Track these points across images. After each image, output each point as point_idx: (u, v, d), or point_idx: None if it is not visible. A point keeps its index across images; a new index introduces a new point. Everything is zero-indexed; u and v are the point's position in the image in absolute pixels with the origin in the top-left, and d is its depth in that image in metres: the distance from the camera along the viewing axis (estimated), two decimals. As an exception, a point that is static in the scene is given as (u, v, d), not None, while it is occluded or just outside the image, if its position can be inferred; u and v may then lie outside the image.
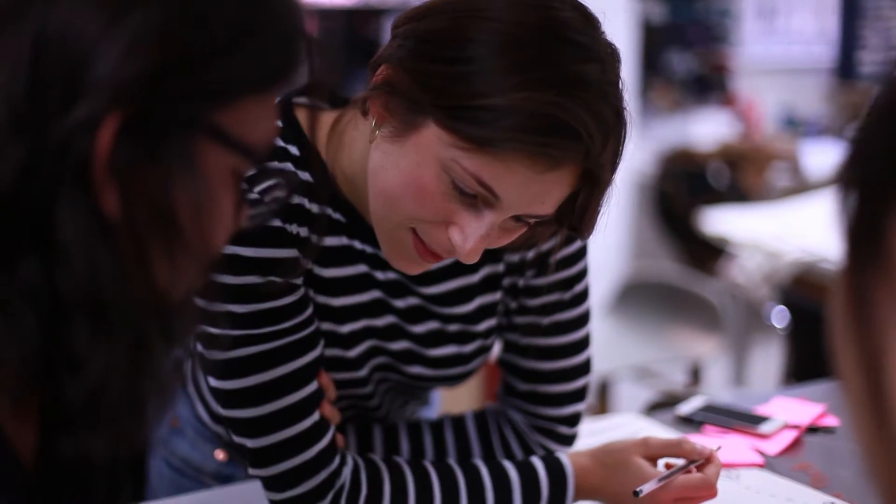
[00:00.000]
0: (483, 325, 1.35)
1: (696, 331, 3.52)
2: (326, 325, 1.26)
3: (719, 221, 4.22)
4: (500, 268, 1.33)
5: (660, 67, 6.07)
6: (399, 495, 1.24)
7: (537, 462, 1.32)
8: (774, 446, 1.61)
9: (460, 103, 1.02)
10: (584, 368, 1.40)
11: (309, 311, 1.21)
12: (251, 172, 0.80)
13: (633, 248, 5.43)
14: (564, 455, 1.34)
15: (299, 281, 1.19)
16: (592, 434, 1.63)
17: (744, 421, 1.68)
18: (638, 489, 1.24)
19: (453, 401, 2.02)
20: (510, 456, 1.38)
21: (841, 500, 1.42)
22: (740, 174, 5.54)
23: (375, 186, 1.12)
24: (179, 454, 1.50)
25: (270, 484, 1.21)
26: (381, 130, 1.09)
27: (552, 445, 1.39)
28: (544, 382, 1.37)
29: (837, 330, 0.52)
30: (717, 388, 3.69)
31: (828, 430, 1.69)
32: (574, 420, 1.41)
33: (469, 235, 1.07)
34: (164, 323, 0.75)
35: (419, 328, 1.32)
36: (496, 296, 1.35)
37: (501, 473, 1.29)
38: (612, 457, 1.32)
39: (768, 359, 3.96)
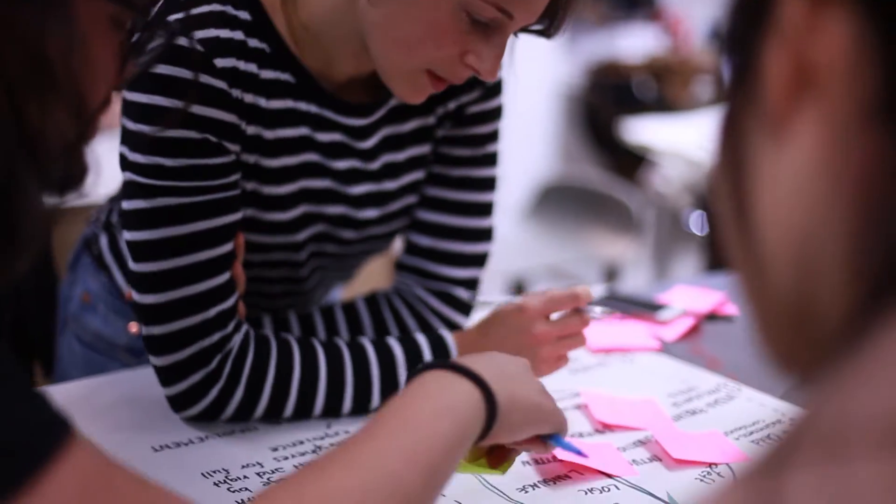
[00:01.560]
0: (411, 177, 1.38)
1: (611, 233, 3.54)
2: (267, 189, 1.27)
3: (643, 131, 4.23)
4: (432, 120, 1.37)
5: (588, -20, 6.03)
6: (284, 367, 1.25)
7: (420, 337, 1.33)
8: (672, 332, 1.62)
9: None
10: (487, 234, 1.43)
11: (236, 176, 1.22)
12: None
13: (558, 159, 5.44)
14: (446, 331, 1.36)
15: (234, 146, 1.21)
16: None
17: (643, 308, 1.69)
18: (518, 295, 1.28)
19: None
20: (404, 331, 1.39)
21: (734, 381, 1.44)
22: (666, 87, 5.54)
23: (387, 39, 1.17)
24: (91, 330, 1.50)
25: (161, 345, 1.21)
26: None
27: (448, 312, 1.41)
28: (446, 238, 1.40)
29: (713, 163, 0.53)
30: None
31: (727, 318, 1.71)
32: (472, 284, 1.43)
33: (486, 58, 1.16)
34: (37, 164, 0.74)
35: (355, 190, 1.33)
36: (426, 148, 1.38)
37: (386, 349, 1.30)
38: (490, 322, 1.34)
39: (687, 264, 4.00)
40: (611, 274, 3.55)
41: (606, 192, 3.62)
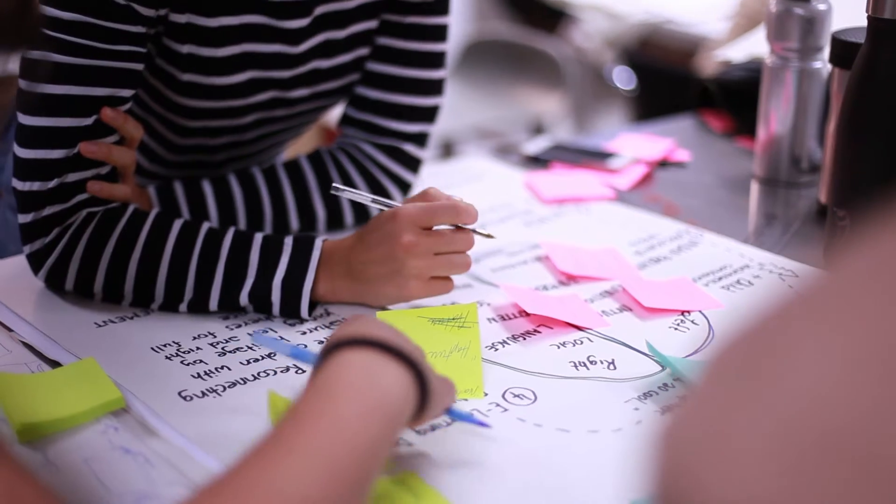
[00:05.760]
0: (364, 26, 1.30)
1: (538, 88, 3.47)
2: (205, 51, 1.19)
3: (561, -14, 4.14)
4: None
5: None
6: (124, 247, 1.15)
7: (287, 240, 1.17)
8: (625, 181, 1.57)
9: None
10: (438, 87, 1.37)
11: (134, 47, 1.13)
12: None
13: (471, 18, 5.32)
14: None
15: (149, 10, 1.13)
16: (436, 175, 1.58)
17: (592, 157, 1.63)
18: (334, 186, 1.15)
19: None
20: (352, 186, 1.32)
21: (695, 227, 1.39)
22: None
23: None
24: None
25: (18, 203, 1.16)
26: None
27: (397, 168, 1.35)
28: (397, 91, 1.33)
29: None
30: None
31: (679, 165, 1.66)
32: (421, 139, 1.37)
33: None
34: None
35: (304, 46, 1.26)
36: None
37: (245, 238, 1.16)
38: (366, 227, 1.16)
39: (612, 119, 3.96)
40: (538, 130, 3.49)
41: (532, 46, 3.53)
